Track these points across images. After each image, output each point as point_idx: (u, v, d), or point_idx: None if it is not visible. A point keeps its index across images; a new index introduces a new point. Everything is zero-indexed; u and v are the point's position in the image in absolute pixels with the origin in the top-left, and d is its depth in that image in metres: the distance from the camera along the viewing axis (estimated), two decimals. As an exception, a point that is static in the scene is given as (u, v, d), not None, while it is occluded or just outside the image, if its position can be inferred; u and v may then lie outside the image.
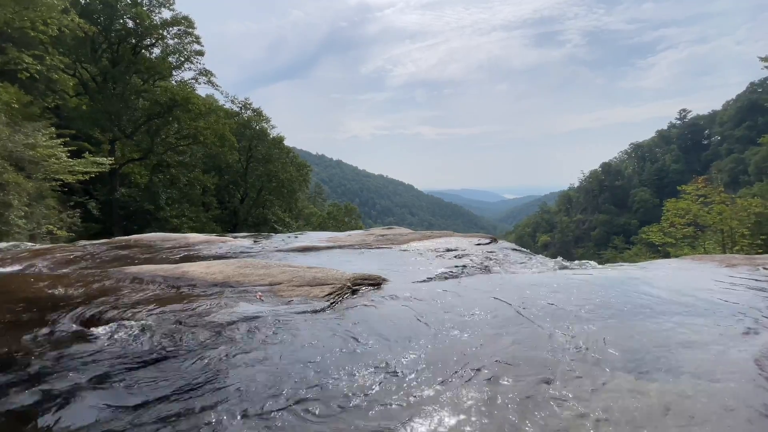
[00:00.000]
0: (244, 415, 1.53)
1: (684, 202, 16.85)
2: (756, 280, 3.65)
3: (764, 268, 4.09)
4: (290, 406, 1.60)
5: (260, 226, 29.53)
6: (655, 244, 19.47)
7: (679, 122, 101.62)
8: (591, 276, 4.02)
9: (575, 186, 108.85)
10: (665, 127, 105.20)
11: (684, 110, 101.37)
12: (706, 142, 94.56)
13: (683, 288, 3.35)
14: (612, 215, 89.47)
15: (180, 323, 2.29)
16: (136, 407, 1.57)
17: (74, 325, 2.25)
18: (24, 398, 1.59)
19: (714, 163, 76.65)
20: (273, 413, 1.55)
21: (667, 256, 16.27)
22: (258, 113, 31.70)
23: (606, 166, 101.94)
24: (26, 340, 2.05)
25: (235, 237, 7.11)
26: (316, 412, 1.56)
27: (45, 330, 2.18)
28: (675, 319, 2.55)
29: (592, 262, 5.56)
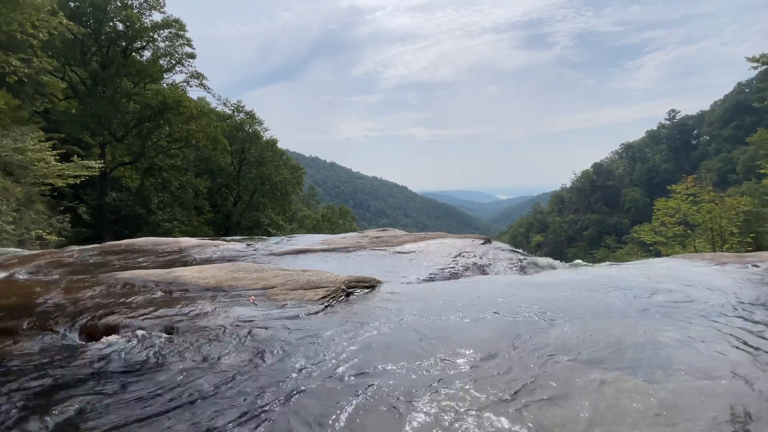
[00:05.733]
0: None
1: (674, 201, 17.03)
2: (745, 276, 3.70)
3: (753, 266, 4.14)
4: (285, 415, 1.58)
5: (253, 229, 29.37)
6: (646, 243, 19.64)
7: (668, 122, 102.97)
8: (583, 276, 4.05)
9: (567, 186, 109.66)
10: (655, 128, 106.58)
11: (673, 110, 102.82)
12: (695, 142, 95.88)
13: (674, 285, 3.38)
14: (604, 215, 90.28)
15: (172, 329, 2.27)
16: (119, 419, 1.54)
17: (64, 332, 2.21)
18: (8, 407, 1.56)
19: (703, 163, 77.68)
20: (266, 423, 1.54)
21: (658, 254, 16.45)
22: (251, 116, 31.56)
23: (597, 167, 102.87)
24: (13, 348, 2.02)
25: (228, 241, 7.06)
26: (309, 423, 1.55)
27: (33, 337, 2.14)
28: (665, 317, 2.57)
29: (579, 261, 5.60)
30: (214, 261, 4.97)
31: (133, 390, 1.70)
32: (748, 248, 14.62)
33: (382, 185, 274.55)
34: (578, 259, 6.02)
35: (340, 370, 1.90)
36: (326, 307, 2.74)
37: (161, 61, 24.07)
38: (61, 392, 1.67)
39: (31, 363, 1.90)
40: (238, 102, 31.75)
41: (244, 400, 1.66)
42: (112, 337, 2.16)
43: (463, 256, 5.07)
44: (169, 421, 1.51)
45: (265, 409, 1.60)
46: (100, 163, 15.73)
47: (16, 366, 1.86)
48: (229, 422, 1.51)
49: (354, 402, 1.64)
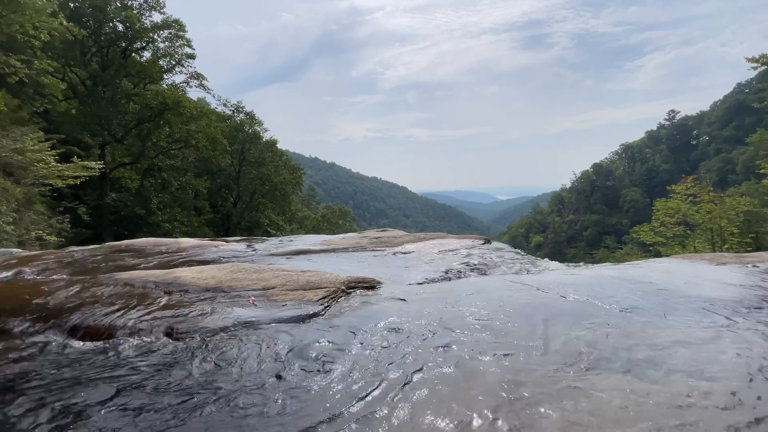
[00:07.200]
0: None
1: (673, 201, 17.03)
2: (745, 276, 3.70)
3: (753, 266, 4.15)
4: (286, 415, 1.58)
5: (253, 229, 29.38)
6: (646, 244, 19.64)
7: (667, 123, 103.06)
8: (582, 276, 4.05)
9: (567, 187, 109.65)
10: (654, 128, 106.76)
11: (672, 111, 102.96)
12: (694, 143, 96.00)
13: (674, 286, 3.38)
14: (603, 215, 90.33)
15: (171, 329, 2.27)
16: (114, 420, 1.54)
17: (63, 334, 2.21)
18: (7, 411, 1.56)
19: (702, 163, 77.75)
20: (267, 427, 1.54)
21: (658, 255, 16.44)
22: (250, 116, 31.58)
23: (597, 167, 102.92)
24: (12, 349, 2.02)
25: (228, 241, 7.06)
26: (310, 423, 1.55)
27: (32, 339, 2.14)
28: (665, 318, 2.57)
29: (580, 264, 5.60)
30: (213, 261, 4.97)
31: (129, 391, 1.70)
32: (748, 248, 14.62)
33: (382, 186, 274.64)
34: (578, 259, 6.03)
35: (338, 369, 1.90)
36: (326, 307, 2.74)
37: (161, 62, 24.10)
38: (55, 392, 1.67)
39: (25, 364, 1.90)
40: (238, 102, 31.82)
41: (242, 400, 1.66)
42: (110, 339, 2.16)
43: (462, 257, 5.07)
44: (165, 423, 1.51)
45: (265, 409, 1.60)
46: (99, 164, 15.74)
47: (9, 367, 1.86)
48: (228, 423, 1.51)
49: (352, 403, 1.64)
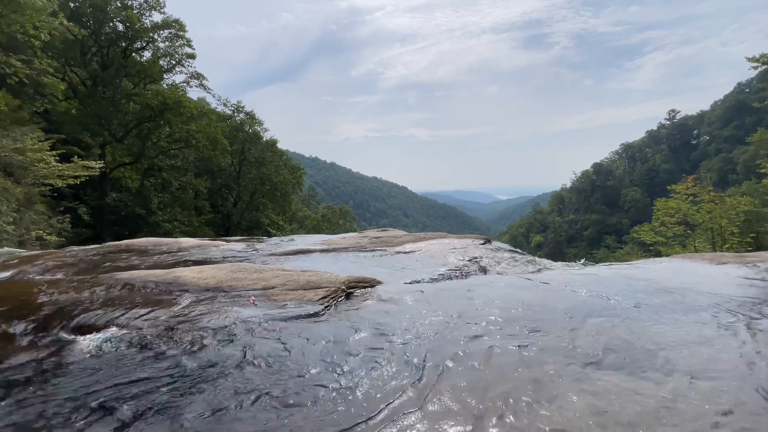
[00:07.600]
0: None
1: (674, 201, 17.02)
2: (745, 276, 3.70)
3: (753, 266, 4.14)
4: (283, 417, 1.59)
5: (253, 229, 29.38)
6: (646, 243, 19.62)
7: (668, 122, 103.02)
8: (582, 276, 4.05)
9: (567, 186, 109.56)
10: (655, 128, 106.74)
11: (673, 111, 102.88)
12: (695, 142, 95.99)
13: (673, 285, 3.38)
14: (604, 215, 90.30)
15: (171, 329, 2.27)
16: (117, 423, 1.54)
17: (63, 334, 2.21)
18: (6, 411, 1.56)
19: (703, 163, 77.69)
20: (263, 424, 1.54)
21: (658, 254, 16.43)
22: (251, 116, 31.59)
23: (597, 167, 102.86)
24: (13, 349, 2.02)
25: (228, 241, 7.06)
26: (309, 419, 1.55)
27: (34, 338, 2.14)
28: (666, 317, 2.57)
29: (579, 262, 5.61)
30: (214, 261, 4.97)
31: (131, 389, 1.70)
32: (748, 248, 14.61)
33: (382, 185, 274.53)
34: (578, 259, 6.03)
35: (338, 369, 1.91)
36: (326, 307, 2.74)
37: (161, 62, 24.09)
38: (58, 392, 1.67)
39: (27, 364, 1.90)
40: (238, 102, 31.82)
41: (240, 400, 1.66)
42: (110, 338, 2.16)
43: (462, 256, 5.07)
44: (167, 421, 1.51)
45: (266, 409, 1.60)
46: (100, 164, 15.73)
47: (12, 367, 1.87)
48: (229, 422, 1.52)
49: (351, 403, 1.64)
